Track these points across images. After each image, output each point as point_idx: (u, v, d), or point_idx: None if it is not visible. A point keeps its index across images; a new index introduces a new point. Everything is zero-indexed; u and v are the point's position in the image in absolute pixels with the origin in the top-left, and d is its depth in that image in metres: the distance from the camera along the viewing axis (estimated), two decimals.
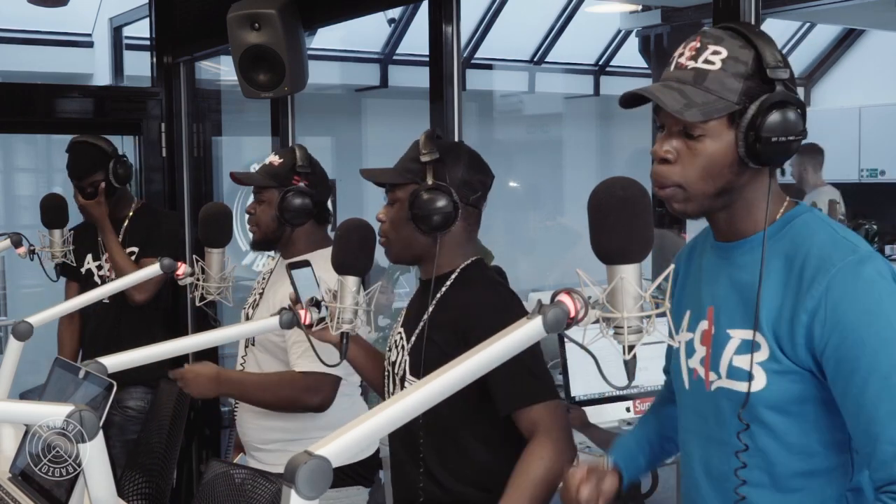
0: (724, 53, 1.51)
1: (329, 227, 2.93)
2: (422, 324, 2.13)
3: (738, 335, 1.58)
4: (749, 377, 1.53)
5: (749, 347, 1.54)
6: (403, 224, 2.11)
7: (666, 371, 1.92)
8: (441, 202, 2.06)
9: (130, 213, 3.90)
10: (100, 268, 3.89)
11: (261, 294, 2.92)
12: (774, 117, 1.48)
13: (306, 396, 2.65)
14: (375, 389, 2.36)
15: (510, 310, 2.02)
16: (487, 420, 2.07)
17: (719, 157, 1.52)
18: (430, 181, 2.06)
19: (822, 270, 1.47)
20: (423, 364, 2.06)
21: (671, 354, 1.80)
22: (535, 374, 2.02)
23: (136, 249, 3.83)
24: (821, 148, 6.24)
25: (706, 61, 1.51)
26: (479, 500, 2.08)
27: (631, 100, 1.56)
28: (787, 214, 1.58)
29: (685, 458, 1.75)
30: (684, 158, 1.53)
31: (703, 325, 1.65)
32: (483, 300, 2.09)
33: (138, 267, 3.55)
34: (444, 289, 2.14)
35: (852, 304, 1.44)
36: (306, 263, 2.15)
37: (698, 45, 1.53)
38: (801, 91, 8.29)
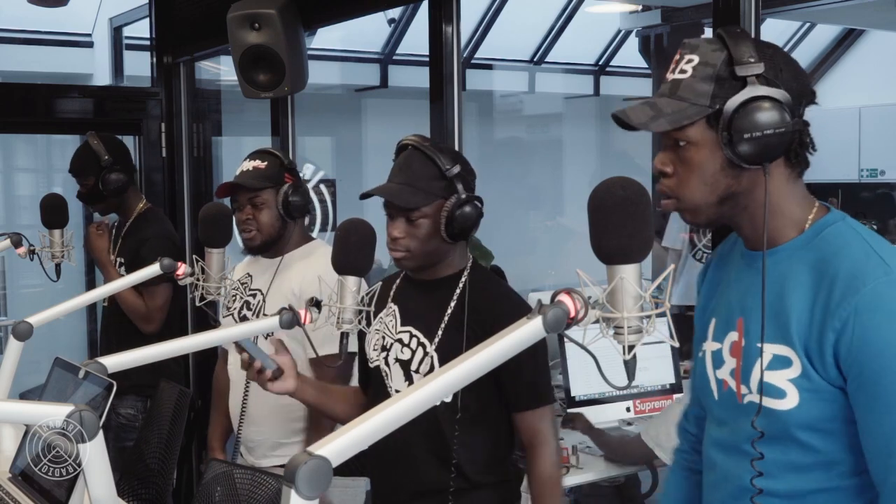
0: (696, 60, 1.51)
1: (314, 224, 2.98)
2: (446, 320, 2.18)
3: (770, 350, 1.52)
4: (760, 388, 1.51)
5: (783, 363, 1.50)
6: (433, 237, 2.16)
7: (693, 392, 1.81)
8: (475, 212, 2.17)
9: (133, 218, 3.84)
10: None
11: (253, 295, 2.93)
12: (745, 113, 1.46)
13: (329, 377, 2.67)
14: (335, 417, 2.39)
15: (526, 307, 2.11)
16: (507, 413, 2.19)
17: (708, 162, 1.51)
18: (463, 194, 2.15)
19: (851, 289, 1.43)
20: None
21: (695, 365, 1.75)
22: (543, 375, 2.16)
23: (123, 260, 3.76)
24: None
25: (681, 71, 1.52)
26: (493, 483, 2.20)
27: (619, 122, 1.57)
28: (819, 222, 1.54)
29: (711, 467, 1.70)
30: (679, 169, 1.54)
31: (733, 336, 1.61)
32: (506, 298, 2.20)
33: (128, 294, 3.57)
34: (459, 288, 2.20)
35: (878, 330, 1.41)
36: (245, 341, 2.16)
37: (678, 56, 1.54)
38: None
